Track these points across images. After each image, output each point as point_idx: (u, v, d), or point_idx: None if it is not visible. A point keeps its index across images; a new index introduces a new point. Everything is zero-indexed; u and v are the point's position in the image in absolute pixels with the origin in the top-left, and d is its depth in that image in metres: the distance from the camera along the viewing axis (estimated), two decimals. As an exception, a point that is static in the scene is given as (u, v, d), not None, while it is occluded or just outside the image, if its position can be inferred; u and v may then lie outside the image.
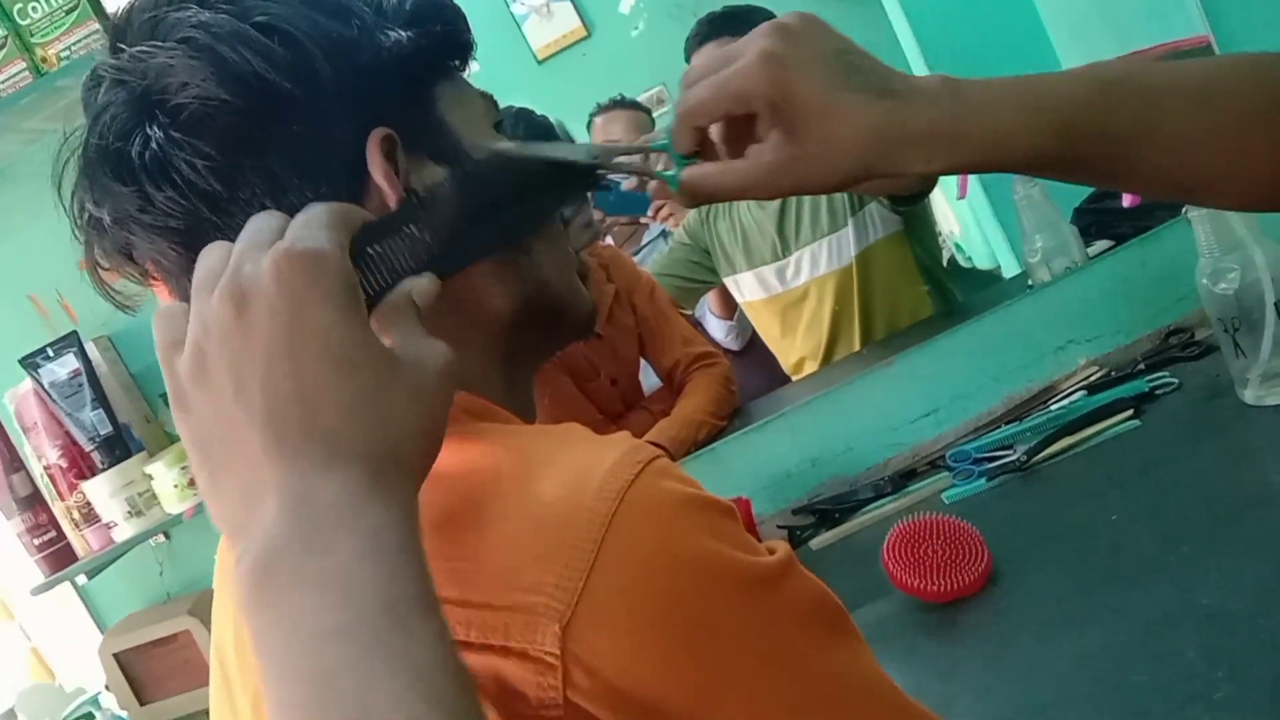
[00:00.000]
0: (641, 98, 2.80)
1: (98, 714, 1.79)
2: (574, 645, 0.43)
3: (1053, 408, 1.37)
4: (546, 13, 3.29)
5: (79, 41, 1.39)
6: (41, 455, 1.59)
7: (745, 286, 1.87)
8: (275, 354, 0.43)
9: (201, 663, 1.63)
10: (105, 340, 1.69)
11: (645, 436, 1.57)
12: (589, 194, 0.69)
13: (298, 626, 0.39)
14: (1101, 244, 1.53)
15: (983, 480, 1.28)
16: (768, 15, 1.85)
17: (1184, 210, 1.30)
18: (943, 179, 1.66)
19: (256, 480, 0.43)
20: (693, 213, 1.90)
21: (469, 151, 0.58)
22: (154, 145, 0.52)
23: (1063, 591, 1.00)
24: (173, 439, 1.67)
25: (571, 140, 1.89)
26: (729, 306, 2.00)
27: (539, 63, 3.29)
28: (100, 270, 0.59)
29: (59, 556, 1.55)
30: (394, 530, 0.41)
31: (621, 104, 2.37)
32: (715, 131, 0.59)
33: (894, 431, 1.52)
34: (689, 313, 1.96)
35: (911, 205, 1.67)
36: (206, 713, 0.66)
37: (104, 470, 1.53)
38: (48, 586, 1.54)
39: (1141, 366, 1.36)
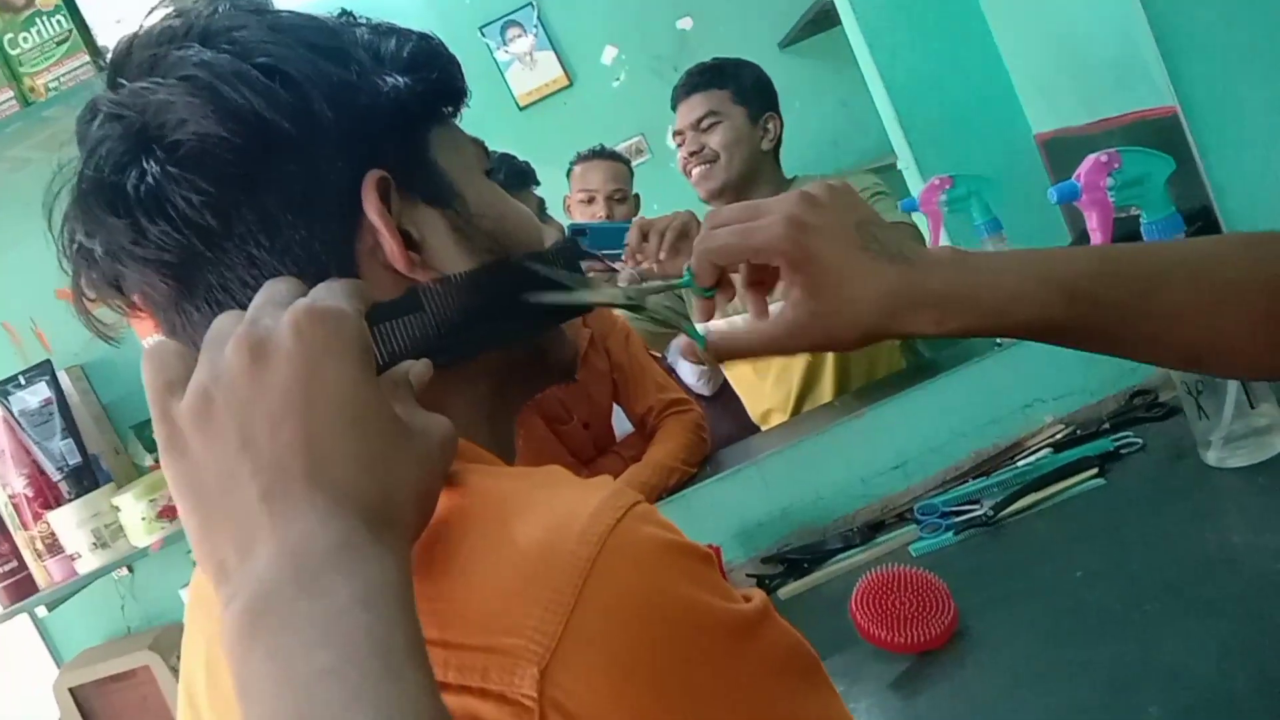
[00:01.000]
0: (620, 147, 2.83)
1: (49, 751, 1.75)
2: (551, 689, 0.43)
3: (1019, 464, 1.39)
4: (530, 61, 3.34)
5: (69, 73, 1.40)
6: (7, 484, 1.57)
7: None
8: (289, 405, 0.43)
9: (160, 700, 1.61)
10: (78, 370, 1.68)
11: (616, 482, 1.57)
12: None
13: (288, 668, 0.39)
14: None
15: (950, 534, 1.30)
16: (756, 70, 1.89)
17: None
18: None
19: (251, 527, 0.43)
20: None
21: (469, 199, 0.60)
22: (150, 179, 0.52)
23: (1027, 646, 1.00)
24: (141, 471, 1.66)
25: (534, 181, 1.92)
26: (701, 351, 2.01)
27: (520, 109, 3.34)
28: (85, 300, 0.59)
29: (19, 587, 1.52)
30: (390, 580, 0.42)
31: (601, 154, 2.40)
32: (738, 275, 0.64)
33: (863, 483, 1.53)
34: (659, 354, 1.97)
35: None
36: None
37: (71, 500, 1.51)
38: (6, 617, 1.52)
39: (1106, 426, 1.38)
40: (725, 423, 1.92)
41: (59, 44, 1.39)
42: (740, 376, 1.92)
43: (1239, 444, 1.12)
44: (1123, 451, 1.31)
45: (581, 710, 0.43)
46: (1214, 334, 0.60)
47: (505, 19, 3.30)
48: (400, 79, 0.57)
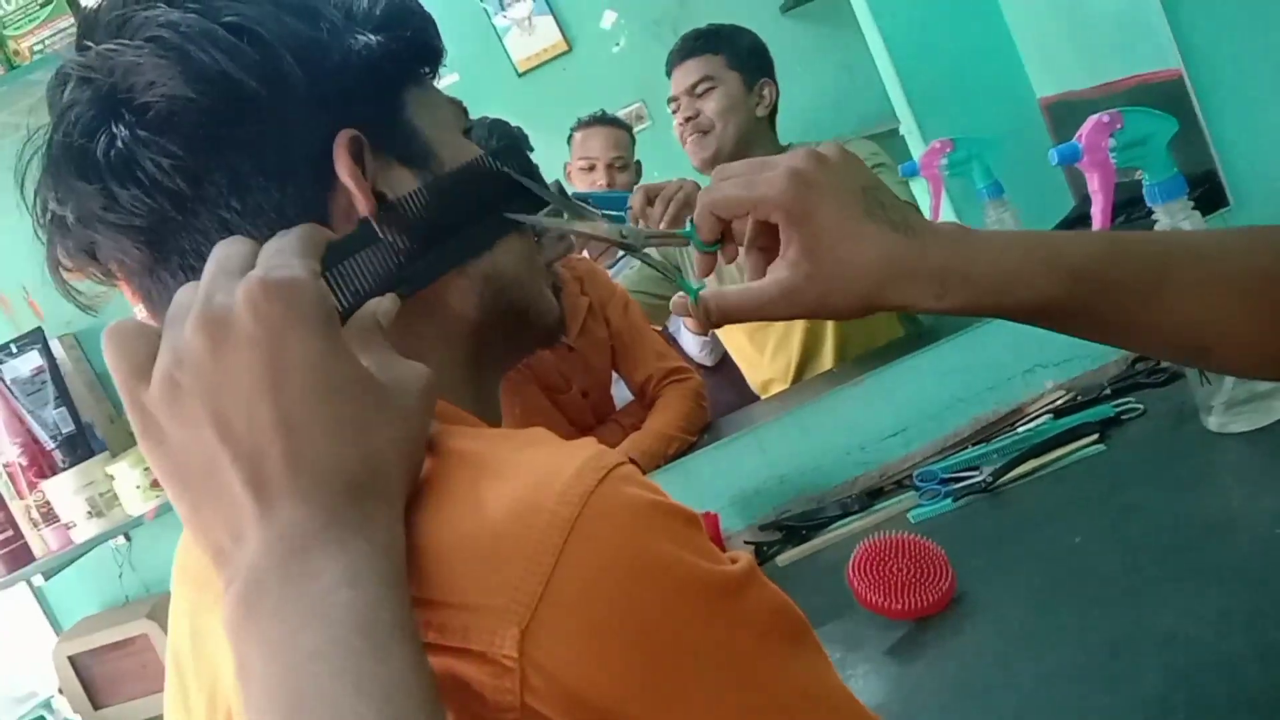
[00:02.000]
0: (621, 113, 2.80)
1: (50, 718, 1.76)
2: (532, 649, 0.42)
3: (1019, 430, 1.38)
4: (528, 26, 3.30)
5: (54, 35, 1.38)
6: (1, 452, 1.56)
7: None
8: (258, 388, 0.43)
9: (159, 667, 1.61)
10: (71, 339, 1.67)
11: (616, 450, 1.57)
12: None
13: (277, 652, 0.40)
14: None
15: (949, 500, 1.29)
16: (751, 35, 1.86)
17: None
18: (919, 199, 1.67)
19: (238, 513, 0.43)
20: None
21: (445, 160, 0.58)
22: (119, 143, 0.52)
23: (1025, 612, 1.00)
24: (135, 440, 1.65)
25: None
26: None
27: (519, 75, 3.30)
28: (63, 270, 0.58)
29: (16, 556, 1.52)
30: (376, 557, 0.42)
31: (601, 120, 2.37)
32: (743, 233, 0.62)
33: (862, 450, 1.52)
34: (661, 328, 1.96)
35: None
36: (162, 718, 0.65)
37: (65, 469, 1.51)
38: (3, 586, 1.52)
39: (1108, 392, 1.37)
40: (726, 392, 1.91)
41: (43, 6, 1.37)
42: (738, 347, 1.91)
43: (1240, 409, 1.11)
44: (1124, 417, 1.30)
45: (562, 670, 0.43)
46: (1223, 326, 0.59)
47: (503, -17, 3.26)
48: (372, 37, 0.56)
